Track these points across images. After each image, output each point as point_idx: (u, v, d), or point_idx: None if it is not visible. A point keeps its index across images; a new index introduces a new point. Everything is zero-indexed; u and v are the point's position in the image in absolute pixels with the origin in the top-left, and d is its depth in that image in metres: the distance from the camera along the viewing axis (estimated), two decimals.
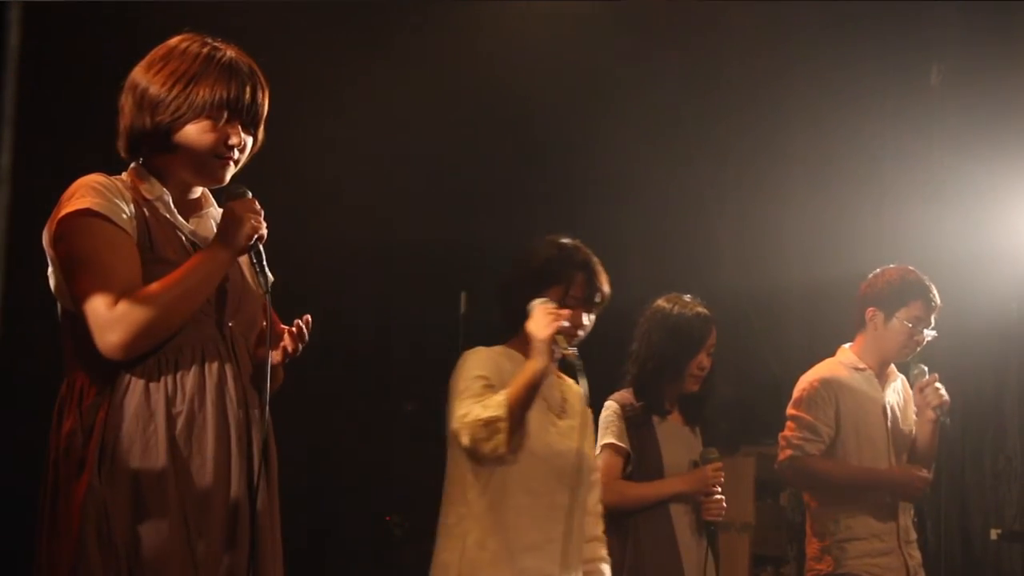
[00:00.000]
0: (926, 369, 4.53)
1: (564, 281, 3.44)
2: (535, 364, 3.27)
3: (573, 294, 3.44)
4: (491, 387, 3.31)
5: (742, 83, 6.55)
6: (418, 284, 6.07)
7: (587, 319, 3.47)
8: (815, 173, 6.56)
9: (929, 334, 4.49)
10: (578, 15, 6.12)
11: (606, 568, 3.59)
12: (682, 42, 6.28)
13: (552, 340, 3.27)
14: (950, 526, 6.19)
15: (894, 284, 4.52)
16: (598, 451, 4.26)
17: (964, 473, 6.31)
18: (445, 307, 5.46)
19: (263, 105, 2.70)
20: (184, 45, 2.66)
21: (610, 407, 4.29)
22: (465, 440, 3.28)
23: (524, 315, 3.36)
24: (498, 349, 3.49)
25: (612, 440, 4.21)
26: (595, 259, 3.51)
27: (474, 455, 3.31)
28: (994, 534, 6.02)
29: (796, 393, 4.57)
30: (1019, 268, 6.08)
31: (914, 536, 4.54)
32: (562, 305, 3.39)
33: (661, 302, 4.35)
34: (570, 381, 3.61)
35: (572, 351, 3.35)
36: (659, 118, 6.39)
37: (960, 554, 6.26)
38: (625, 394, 4.31)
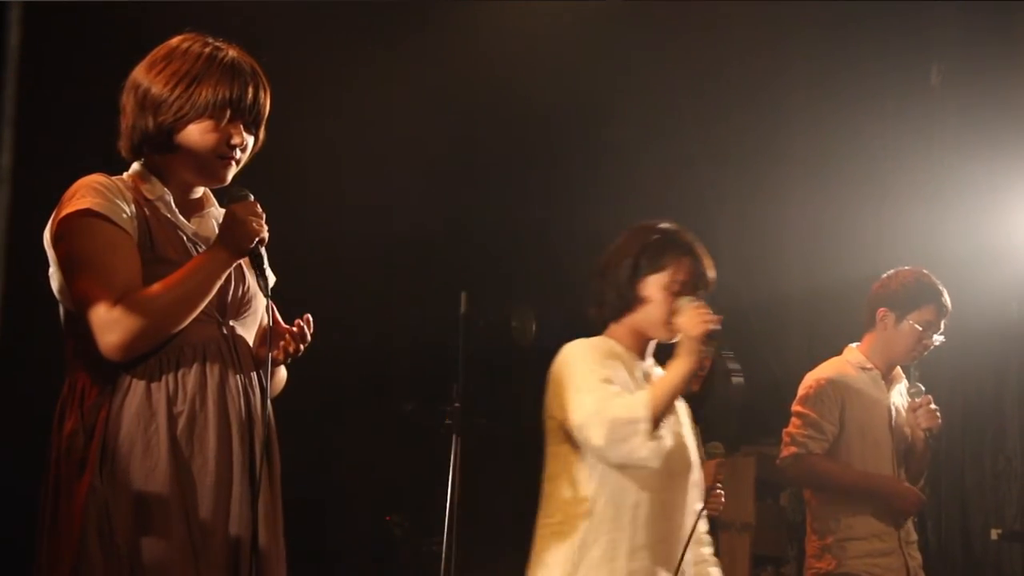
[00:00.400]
0: (923, 388, 4.53)
1: (669, 266, 3.22)
2: (685, 365, 3.08)
3: (679, 279, 3.21)
4: (609, 381, 3.12)
5: (742, 83, 6.55)
6: (418, 284, 6.07)
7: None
8: (815, 173, 6.56)
9: (937, 339, 4.48)
10: (578, 15, 6.12)
11: (716, 572, 3.43)
12: (682, 42, 6.28)
13: (704, 340, 3.09)
14: (950, 526, 6.19)
15: (908, 286, 4.50)
16: None
17: (964, 473, 6.31)
18: (445, 307, 5.45)
19: (265, 105, 2.71)
20: (186, 45, 2.66)
21: None
22: (598, 439, 3.04)
23: (626, 303, 3.23)
24: (597, 340, 3.27)
25: None
26: (699, 243, 3.31)
27: (602, 455, 3.09)
28: (994, 534, 6.02)
29: (802, 390, 4.56)
30: (1019, 268, 6.08)
31: (915, 537, 4.54)
32: (668, 291, 3.20)
33: None
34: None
35: (728, 352, 3.24)
36: (659, 119, 6.40)
37: (960, 554, 6.25)
38: None
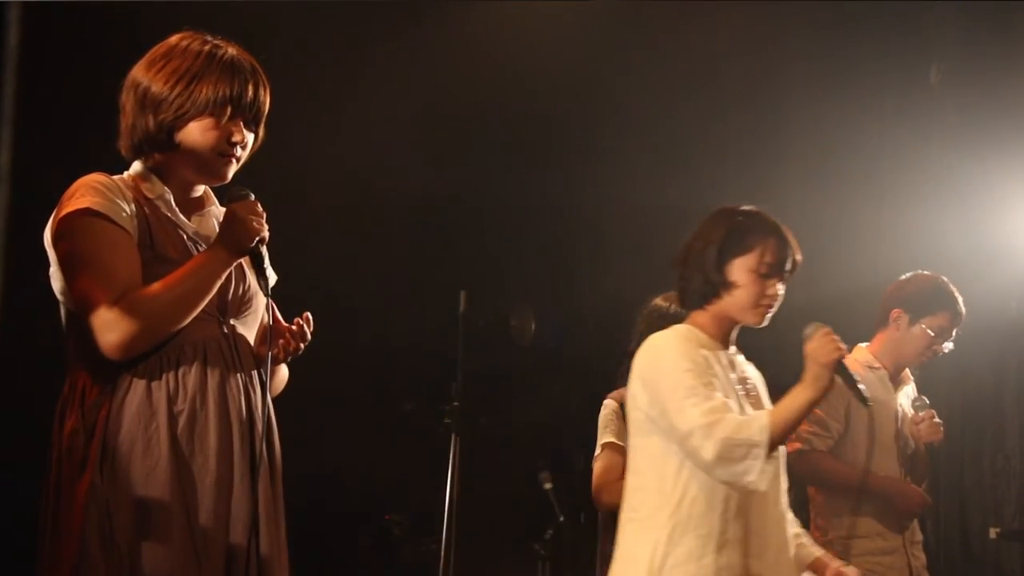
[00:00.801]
0: (927, 402, 4.53)
1: (757, 247, 3.13)
2: (812, 392, 3.01)
3: (767, 261, 3.13)
4: (712, 386, 3.03)
5: (741, 83, 6.55)
6: (417, 283, 6.07)
7: (781, 289, 3.17)
8: (814, 173, 6.56)
9: (947, 346, 4.49)
10: (577, 14, 6.12)
11: (815, 548, 3.37)
12: (680, 41, 6.28)
13: (835, 368, 3.03)
14: (949, 525, 6.19)
15: (926, 291, 4.50)
16: (598, 450, 4.26)
17: (963, 472, 6.31)
18: (444, 306, 5.45)
19: (265, 102, 2.71)
20: (185, 43, 2.67)
21: (609, 406, 4.28)
22: (708, 454, 2.94)
23: (712, 289, 3.14)
24: (682, 330, 3.17)
25: (612, 439, 4.20)
26: (783, 224, 3.23)
27: (708, 469, 2.99)
28: (993, 533, 6.01)
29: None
30: (1018, 268, 6.08)
31: (920, 537, 4.52)
32: (756, 274, 3.12)
33: (659, 300, 4.34)
34: (748, 363, 3.34)
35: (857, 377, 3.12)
36: (658, 118, 6.39)
37: (959, 553, 6.25)
38: (624, 392, 4.30)
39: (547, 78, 6.12)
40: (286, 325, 2.74)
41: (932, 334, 4.45)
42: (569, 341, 6.58)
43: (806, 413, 3.04)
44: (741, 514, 3.06)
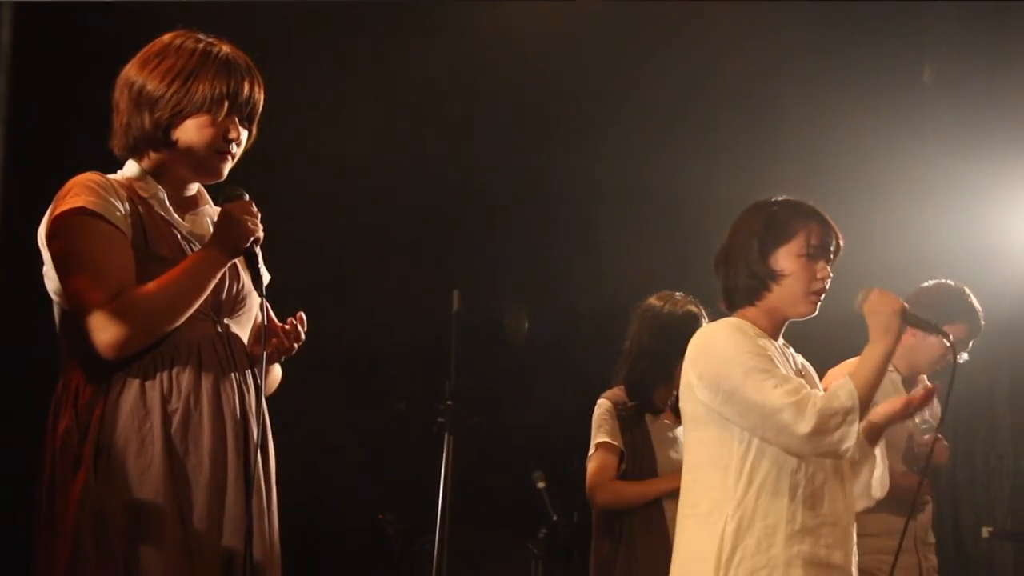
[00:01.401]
0: (933, 424, 4.51)
1: (801, 232, 3.09)
2: (886, 344, 2.99)
3: (814, 243, 3.09)
4: (776, 368, 2.99)
5: (736, 82, 6.56)
6: (410, 282, 6.06)
7: (830, 270, 3.13)
8: (809, 173, 6.56)
9: (962, 357, 4.46)
10: (574, 14, 6.12)
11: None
12: (676, 42, 6.28)
13: (902, 315, 3.00)
14: (942, 524, 6.19)
15: (946, 300, 4.46)
16: (592, 450, 4.26)
17: (956, 471, 6.32)
18: (437, 305, 5.45)
19: (260, 100, 2.71)
20: (179, 42, 2.66)
21: (603, 405, 4.29)
22: (804, 428, 2.90)
23: (760, 282, 3.10)
24: (733, 322, 3.12)
25: (606, 439, 4.21)
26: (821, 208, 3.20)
27: (800, 444, 2.94)
28: (986, 532, 6.02)
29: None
30: (1012, 267, 6.09)
31: (933, 539, 4.49)
32: (805, 258, 3.08)
33: (653, 300, 4.35)
34: (798, 354, 3.30)
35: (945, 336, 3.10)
36: (655, 118, 6.40)
37: (952, 552, 6.26)
38: (618, 392, 4.31)
39: (543, 78, 6.12)
40: (280, 325, 2.74)
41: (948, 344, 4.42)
42: (563, 340, 6.58)
43: (885, 367, 3.00)
44: (810, 503, 3.02)
